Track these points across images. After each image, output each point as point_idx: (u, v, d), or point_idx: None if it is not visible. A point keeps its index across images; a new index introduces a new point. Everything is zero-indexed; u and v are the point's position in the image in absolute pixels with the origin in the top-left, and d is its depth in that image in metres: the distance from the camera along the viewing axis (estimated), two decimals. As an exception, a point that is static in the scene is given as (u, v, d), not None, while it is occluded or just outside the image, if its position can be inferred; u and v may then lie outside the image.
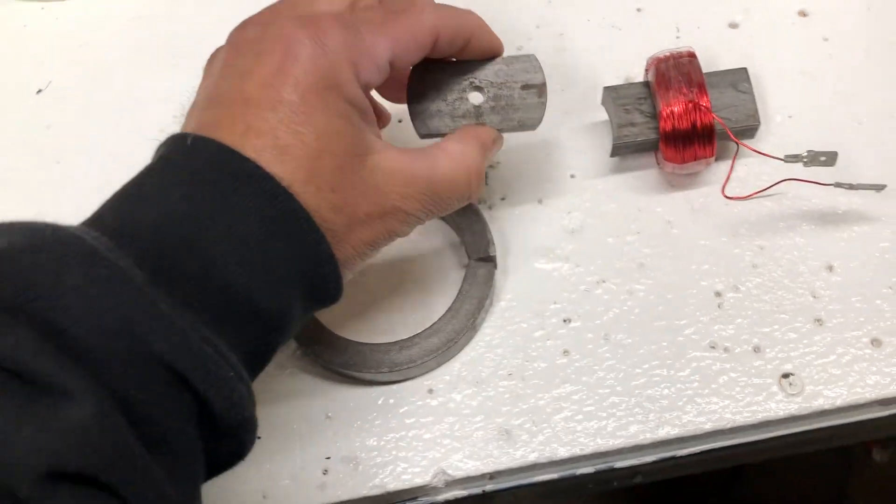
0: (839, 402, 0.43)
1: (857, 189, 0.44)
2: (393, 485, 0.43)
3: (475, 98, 0.41)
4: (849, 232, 0.46)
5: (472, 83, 0.41)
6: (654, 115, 0.46)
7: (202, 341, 0.29)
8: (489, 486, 0.44)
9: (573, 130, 0.51)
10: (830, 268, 0.46)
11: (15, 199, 0.52)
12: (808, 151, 0.43)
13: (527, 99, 0.41)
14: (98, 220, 0.31)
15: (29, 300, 0.26)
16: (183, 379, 0.28)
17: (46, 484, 0.24)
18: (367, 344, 0.45)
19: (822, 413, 0.43)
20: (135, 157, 0.53)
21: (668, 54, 0.46)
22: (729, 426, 0.43)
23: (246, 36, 0.35)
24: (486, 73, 0.41)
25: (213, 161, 0.32)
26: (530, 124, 0.42)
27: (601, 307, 0.46)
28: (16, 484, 0.23)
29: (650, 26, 0.53)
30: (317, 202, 0.33)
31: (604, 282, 0.47)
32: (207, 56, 0.52)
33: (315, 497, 0.43)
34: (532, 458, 0.43)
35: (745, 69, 0.48)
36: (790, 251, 0.46)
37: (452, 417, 0.44)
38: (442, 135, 0.41)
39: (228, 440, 0.31)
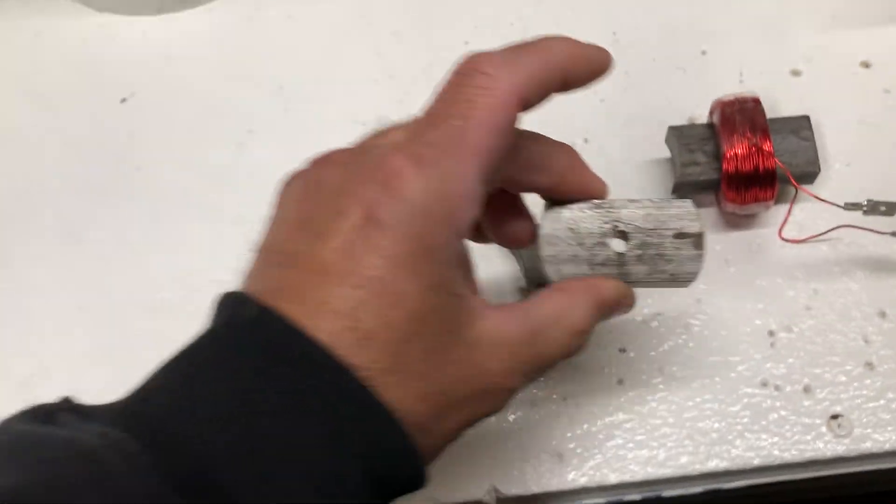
0: (887, 447, 0.44)
1: (913, 240, 0.45)
2: (445, 497, 0.45)
3: (618, 245, 0.37)
4: (903, 281, 0.48)
5: (615, 227, 0.36)
6: (717, 156, 0.48)
7: None
8: (538, 506, 0.46)
9: (635, 167, 0.52)
10: (883, 314, 0.47)
11: (96, 204, 0.54)
12: (869, 200, 0.44)
13: (681, 250, 0.36)
14: (138, 414, 0.27)
15: None
16: None
17: None
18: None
19: (870, 456, 0.44)
20: (212, 165, 0.55)
21: (733, 98, 0.48)
22: (776, 463, 0.44)
23: (325, 180, 0.30)
24: (633, 217, 0.36)
25: (277, 346, 0.27)
26: (684, 279, 0.37)
27: (656, 339, 0.47)
28: None
29: (714, 69, 0.55)
30: (401, 393, 0.27)
31: (660, 314, 0.48)
32: (290, 77, 0.54)
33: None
34: (582, 481, 0.44)
35: (807, 117, 0.49)
36: (844, 295, 0.48)
37: (506, 436, 0.46)
38: None
39: None
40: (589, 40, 0.56)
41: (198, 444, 0.25)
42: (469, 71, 0.30)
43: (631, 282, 0.37)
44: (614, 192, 0.51)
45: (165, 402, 0.27)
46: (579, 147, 0.52)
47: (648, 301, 0.48)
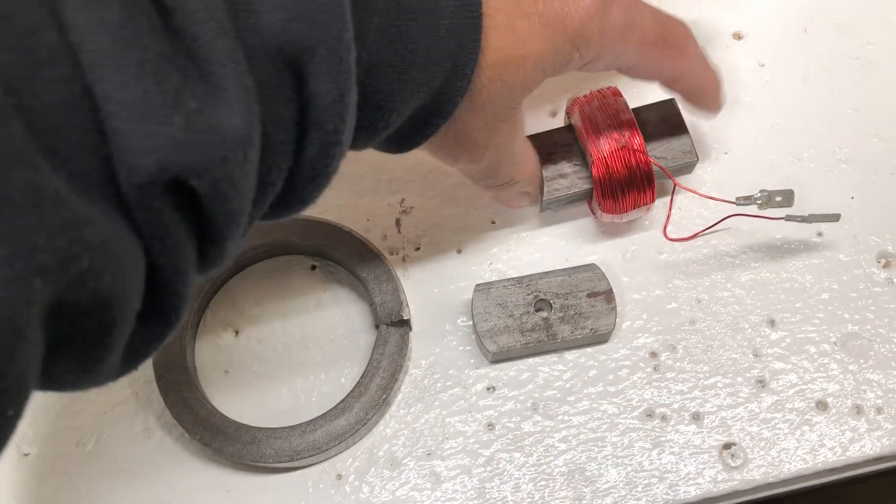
0: (784, 474, 0.40)
1: (810, 222, 0.40)
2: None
3: (543, 311, 0.41)
4: (790, 283, 0.43)
5: (536, 297, 0.41)
6: (583, 163, 0.41)
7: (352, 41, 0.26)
8: (407, 580, 0.40)
9: (493, 169, 0.46)
10: (772, 322, 0.42)
11: None
12: (762, 191, 0.39)
13: (595, 306, 0.41)
14: None
15: None
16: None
17: (154, 186, 0.22)
18: (262, 429, 0.39)
19: (767, 486, 0.40)
20: None
21: (590, 94, 0.42)
22: (668, 506, 0.39)
23: None
24: (550, 286, 0.41)
25: None
26: (604, 331, 0.41)
27: (528, 373, 0.42)
28: (131, 176, 0.22)
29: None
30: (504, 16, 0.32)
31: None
32: None
33: None
34: (454, 552, 0.39)
35: (672, 100, 0.43)
36: (729, 304, 0.43)
37: (364, 506, 0.39)
38: (512, 353, 0.41)
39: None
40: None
41: None
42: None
43: (559, 342, 0.40)
44: (474, 204, 0.45)
45: None
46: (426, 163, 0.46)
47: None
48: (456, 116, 0.32)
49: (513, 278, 0.41)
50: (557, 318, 0.41)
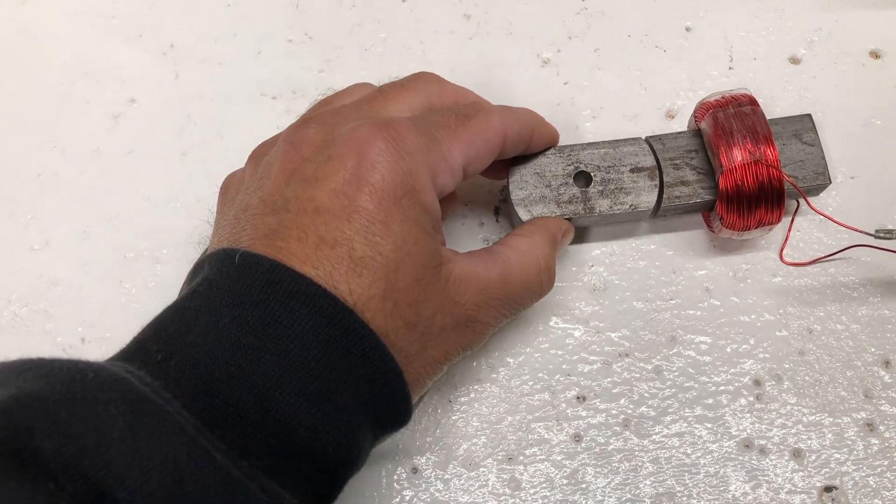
0: (888, 528, 0.37)
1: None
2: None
3: (582, 183, 0.39)
4: (911, 323, 0.40)
5: (577, 167, 0.39)
6: (707, 172, 0.39)
7: (261, 492, 0.26)
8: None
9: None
10: (887, 363, 0.40)
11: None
12: None
13: (637, 182, 0.38)
14: (140, 352, 0.28)
15: (72, 458, 0.23)
16: None
17: None
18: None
19: (867, 538, 0.37)
20: (81, 144, 0.44)
21: (722, 98, 0.39)
22: (760, 545, 0.37)
23: (309, 137, 0.32)
24: (592, 157, 0.39)
25: (265, 281, 0.28)
26: (644, 208, 0.38)
27: (622, 386, 0.39)
28: None
29: (699, 50, 0.46)
30: (393, 320, 0.29)
31: (627, 356, 0.40)
32: (182, 34, 0.44)
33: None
34: (529, 564, 0.37)
35: (809, 116, 0.41)
36: (843, 339, 0.40)
37: (438, 505, 0.37)
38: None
39: None
40: (557, 9, 0.47)
41: (204, 369, 0.27)
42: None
43: (596, 216, 0.38)
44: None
45: (171, 343, 0.27)
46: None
47: (613, 336, 0.40)
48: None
49: (553, 148, 0.39)
50: (597, 191, 0.38)
